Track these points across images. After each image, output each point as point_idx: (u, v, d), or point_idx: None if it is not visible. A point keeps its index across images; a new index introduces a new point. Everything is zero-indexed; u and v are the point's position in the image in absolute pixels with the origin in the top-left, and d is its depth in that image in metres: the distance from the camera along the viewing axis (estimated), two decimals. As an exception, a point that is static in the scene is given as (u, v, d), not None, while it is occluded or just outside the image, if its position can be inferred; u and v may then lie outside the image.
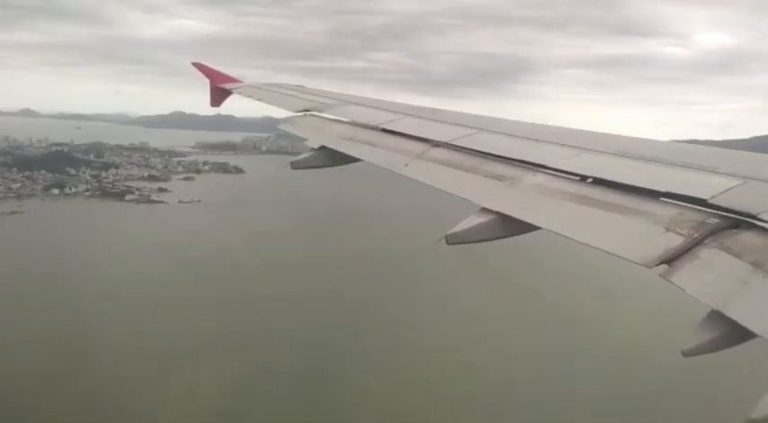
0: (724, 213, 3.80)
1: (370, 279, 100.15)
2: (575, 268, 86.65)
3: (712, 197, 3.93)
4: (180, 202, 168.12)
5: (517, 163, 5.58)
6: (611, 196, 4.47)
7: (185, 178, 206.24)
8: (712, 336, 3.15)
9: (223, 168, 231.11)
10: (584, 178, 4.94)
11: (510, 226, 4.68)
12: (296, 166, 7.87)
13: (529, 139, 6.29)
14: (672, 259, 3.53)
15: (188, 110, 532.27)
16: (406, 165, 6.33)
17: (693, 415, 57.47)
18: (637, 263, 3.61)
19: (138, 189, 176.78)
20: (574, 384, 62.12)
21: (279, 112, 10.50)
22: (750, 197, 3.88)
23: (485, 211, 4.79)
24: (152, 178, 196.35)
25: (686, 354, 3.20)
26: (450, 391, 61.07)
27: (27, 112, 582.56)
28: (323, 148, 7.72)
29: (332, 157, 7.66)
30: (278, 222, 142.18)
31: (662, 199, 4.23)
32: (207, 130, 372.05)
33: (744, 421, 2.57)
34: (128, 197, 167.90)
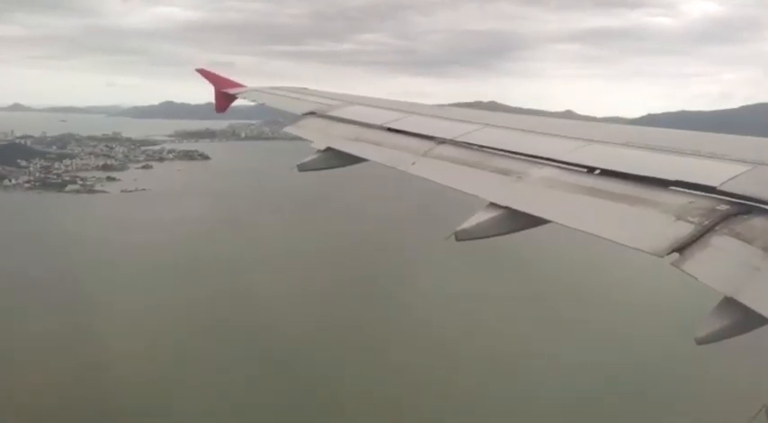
0: (734, 200, 3.75)
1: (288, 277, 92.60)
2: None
3: (722, 184, 3.88)
4: (123, 191, 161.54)
5: (524, 157, 5.49)
6: (620, 187, 4.41)
7: (143, 167, 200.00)
8: (726, 323, 3.13)
9: (188, 156, 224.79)
10: (591, 170, 4.85)
11: (519, 220, 4.63)
12: (303, 168, 7.65)
13: (534, 132, 6.22)
14: (683, 248, 3.50)
15: (178, 99, 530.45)
16: (413, 163, 6.24)
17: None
18: (648, 252, 3.59)
19: (83, 179, 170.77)
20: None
21: None
22: (759, 182, 3.84)
23: (493, 206, 4.72)
24: (107, 168, 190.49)
25: (700, 341, 3.18)
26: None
27: (17, 107, 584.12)
28: (329, 149, 7.63)
29: (338, 158, 7.56)
30: (215, 211, 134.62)
31: (671, 188, 4.17)
32: (196, 118, 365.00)
33: (761, 407, 2.57)
34: (68, 188, 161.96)
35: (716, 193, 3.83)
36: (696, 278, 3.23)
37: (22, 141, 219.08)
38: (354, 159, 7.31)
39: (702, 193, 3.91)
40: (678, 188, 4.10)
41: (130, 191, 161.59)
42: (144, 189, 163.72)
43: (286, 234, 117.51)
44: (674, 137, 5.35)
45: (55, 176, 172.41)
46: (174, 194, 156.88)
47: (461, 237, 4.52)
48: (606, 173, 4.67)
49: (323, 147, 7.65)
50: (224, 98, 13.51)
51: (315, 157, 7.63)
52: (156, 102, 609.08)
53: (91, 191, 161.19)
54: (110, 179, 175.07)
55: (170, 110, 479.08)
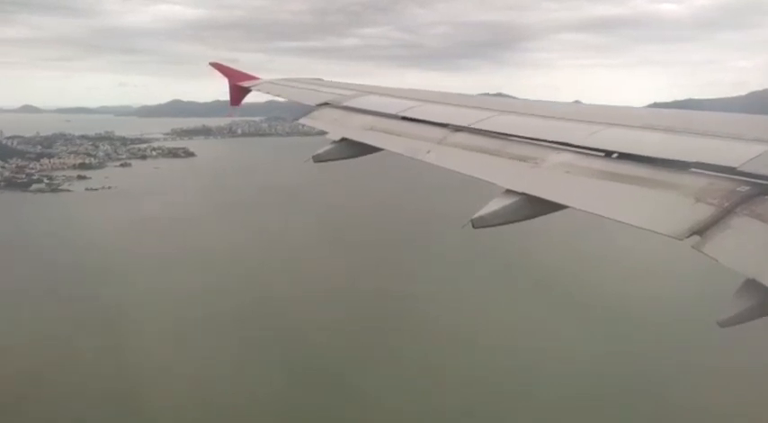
0: (754, 180, 3.69)
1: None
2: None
3: (742, 165, 3.83)
4: (87, 189, 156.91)
5: (540, 143, 5.44)
6: (638, 170, 4.37)
7: (121, 165, 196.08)
8: (749, 304, 3.10)
9: (173, 153, 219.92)
10: (608, 154, 4.81)
11: (536, 206, 4.61)
12: (318, 159, 7.62)
13: (550, 117, 6.17)
14: (703, 230, 3.46)
15: (186, 97, 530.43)
16: (428, 151, 6.24)
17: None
18: (667, 236, 3.55)
19: (51, 178, 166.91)
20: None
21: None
22: None
23: (509, 192, 4.70)
24: (83, 166, 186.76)
25: (723, 324, 3.17)
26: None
27: (28, 109, 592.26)
28: (344, 139, 7.60)
29: (353, 149, 7.53)
30: (177, 209, 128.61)
31: (690, 170, 4.11)
32: (202, 116, 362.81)
33: None
34: (33, 187, 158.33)
35: (736, 174, 3.74)
36: (717, 260, 3.15)
37: (9, 142, 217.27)
38: (369, 149, 7.24)
39: (722, 175, 3.81)
40: (697, 170, 4.00)
41: (95, 189, 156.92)
42: (110, 187, 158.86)
43: (228, 232, 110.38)
44: (692, 118, 5.20)
45: (24, 176, 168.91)
46: (136, 192, 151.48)
47: (478, 224, 4.48)
48: (624, 156, 4.58)
49: (338, 137, 7.60)
50: (238, 91, 13.44)
51: (330, 147, 7.55)
52: (161, 100, 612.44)
53: (55, 190, 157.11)
54: (80, 178, 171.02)
55: (177, 108, 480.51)
